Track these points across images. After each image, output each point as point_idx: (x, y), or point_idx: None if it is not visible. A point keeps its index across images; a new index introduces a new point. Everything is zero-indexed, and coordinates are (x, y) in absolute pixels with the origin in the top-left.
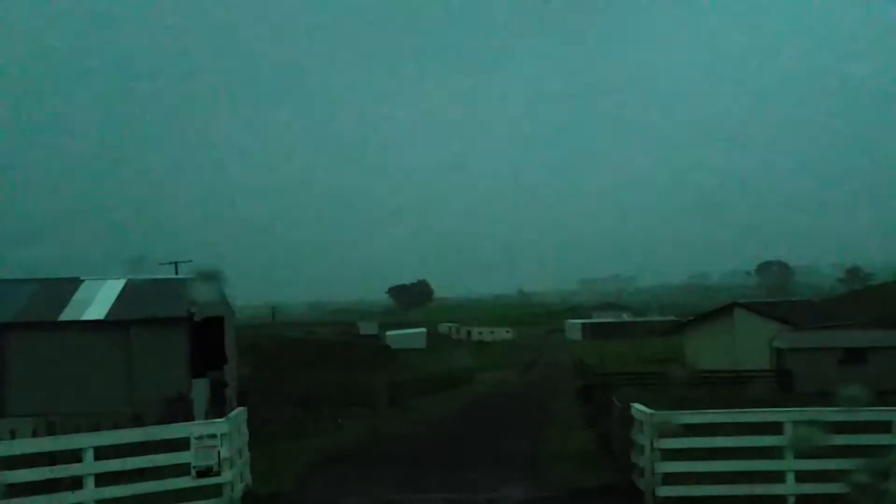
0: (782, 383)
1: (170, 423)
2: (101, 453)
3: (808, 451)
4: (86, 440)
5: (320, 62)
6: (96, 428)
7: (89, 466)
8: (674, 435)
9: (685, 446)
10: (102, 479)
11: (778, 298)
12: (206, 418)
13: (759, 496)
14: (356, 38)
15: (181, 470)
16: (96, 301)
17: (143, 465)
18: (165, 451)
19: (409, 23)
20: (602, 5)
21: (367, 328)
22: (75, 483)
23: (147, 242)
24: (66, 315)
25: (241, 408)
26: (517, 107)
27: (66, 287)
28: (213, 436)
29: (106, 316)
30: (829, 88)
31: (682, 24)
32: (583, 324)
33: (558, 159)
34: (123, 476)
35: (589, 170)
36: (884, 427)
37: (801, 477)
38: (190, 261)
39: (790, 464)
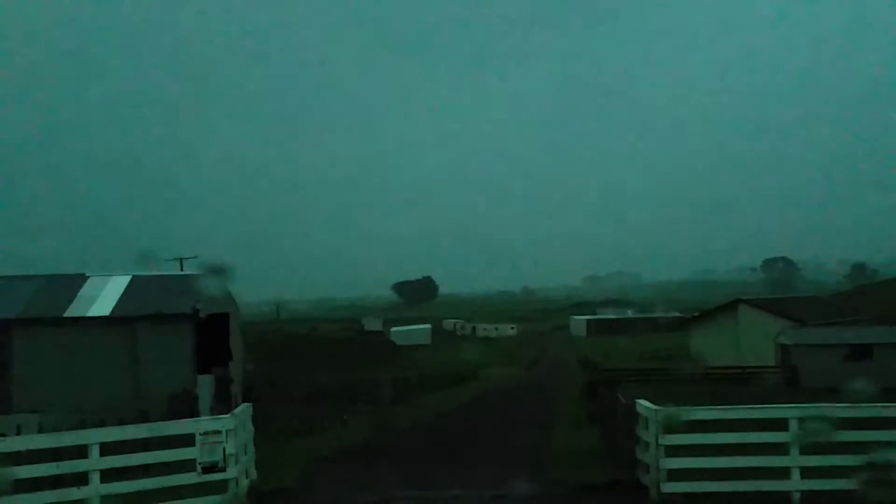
0: (788, 380)
1: (174, 419)
2: (107, 449)
3: (813, 448)
4: (91, 436)
5: (325, 57)
6: (101, 424)
7: (94, 462)
8: (678, 431)
9: (690, 442)
10: (107, 476)
11: (783, 295)
12: (211, 414)
13: (765, 492)
14: (360, 34)
15: (186, 466)
16: (101, 297)
17: (149, 462)
18: (170, 447)
19: (413, 19)
20: (609, 2)
21: (372, 324)
22: (80, 479)
23: (152, 239)
24: (72, 311)
25: (246, 404)
26: (523, 103)
27: (72, 283)
28: (219, 432)
29: (111, 312)
30: (836, 85)
31: (694, 18)
32: (587, 320)
33: (564, 156)
34: (128, 472)
35: (594, 167)
36: (890, 423)
37: (807, 473)
38: (195, 257)
39: (795, 460)
